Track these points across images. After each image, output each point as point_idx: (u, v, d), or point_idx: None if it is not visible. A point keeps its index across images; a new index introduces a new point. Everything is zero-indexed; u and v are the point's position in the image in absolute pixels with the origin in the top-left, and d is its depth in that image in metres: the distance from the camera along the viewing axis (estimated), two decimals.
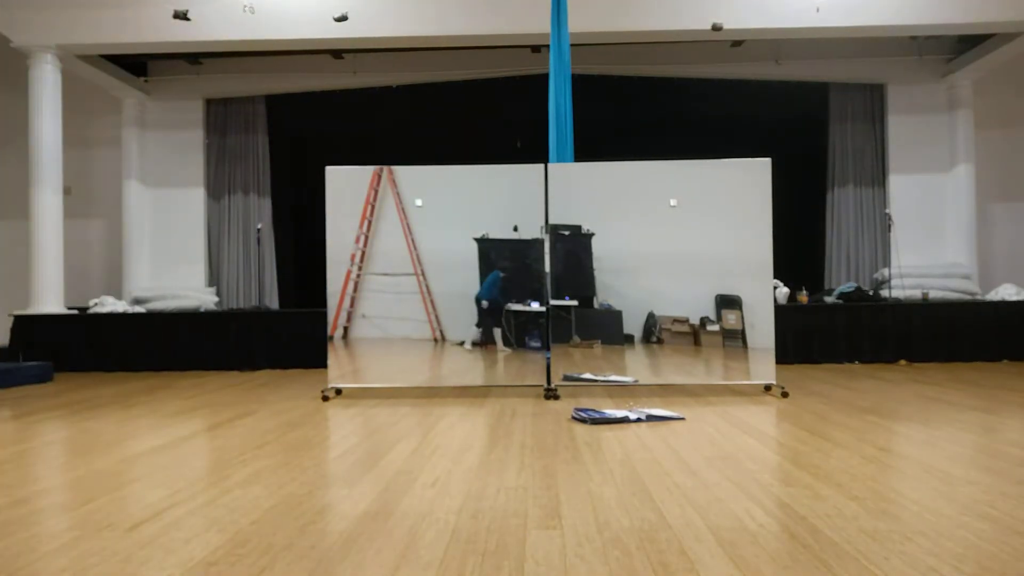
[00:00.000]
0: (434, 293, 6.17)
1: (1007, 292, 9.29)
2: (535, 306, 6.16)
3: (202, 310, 9.81)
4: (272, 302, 10.74)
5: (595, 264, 6.11)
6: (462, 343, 6.13)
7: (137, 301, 9.97)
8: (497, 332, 6.15)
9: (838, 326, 8.62)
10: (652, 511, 2.81)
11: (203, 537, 2.59)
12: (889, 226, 9.83)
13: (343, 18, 8.28)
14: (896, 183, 10.41)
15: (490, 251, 6.17)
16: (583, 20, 8.05)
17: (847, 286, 9.40)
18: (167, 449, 4.16)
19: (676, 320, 6.06)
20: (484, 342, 6.17)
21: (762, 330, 6.00)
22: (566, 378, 6.09)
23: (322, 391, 6.17)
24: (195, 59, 10.37)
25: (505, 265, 6.17)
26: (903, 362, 8.46)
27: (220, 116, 11.01)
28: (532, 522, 2.70)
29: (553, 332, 6.14)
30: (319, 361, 7.09)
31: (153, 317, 9.16)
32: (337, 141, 10.69)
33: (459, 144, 10.15)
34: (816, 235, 10.82)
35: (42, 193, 8.88)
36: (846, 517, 2.69)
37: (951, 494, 2.98)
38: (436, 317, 6.18)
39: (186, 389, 6.96)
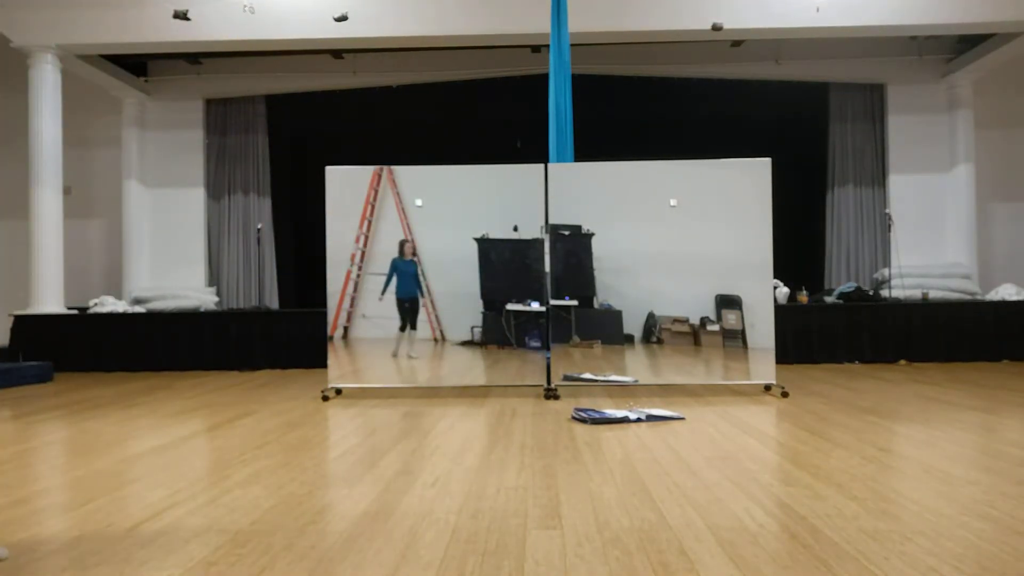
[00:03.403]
0: (434, 293, 6.17)
1: (1007, 292, 9.29)
2: (535, 306, 6.16)
3: (202, 310, 9.80)
4: (272, 302, 10.74)
5: (595, 264, 6.11)
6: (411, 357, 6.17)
7: (137, 301, 9.96)
8: (413, 335, 6.16)
9: (838, 326, 8.62)
10: (652, 511, 2.81)
11: (203, 537, 2.59)
12: (889, 226, 9.83)
13: (343, 18, 8.28)
14: (896, 183, 10.41)
15: (490, 251, 6.17)
16: (583, 20, 8.05)
17: (847, 286, 9.40)
18: (167, 449, 4.16)
19: (676, 320, 6.07)
20: (484, 342, 6.17)
21: (762, 330, 6.00)
22: (566, 378, 6.09)
23: (322, 391, 6.17)
24: (195, 59, 10.37)
25: (409, 262, 6.19)
26: (903, 362, 8.46)
27: (220, 116, 11.00)
28: (532, 522, 2.70)
29: (553, 332, 6.14)
30: (319, 361, 7.10)
31: (153, 317, 9.16)
32: (337, 141, 10.68)
33: (459, 144, 10.15)
34: (816, 235, 10.82)
35: (42, 193, 8.88)
36: (846, 517, 2.69)
37: (951, 494, 2.98)
38: (436, 317, 6.18)
39: (186, 389, 6.96)
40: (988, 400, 5.56)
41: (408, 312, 6.19)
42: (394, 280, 6.19)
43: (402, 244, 6.18)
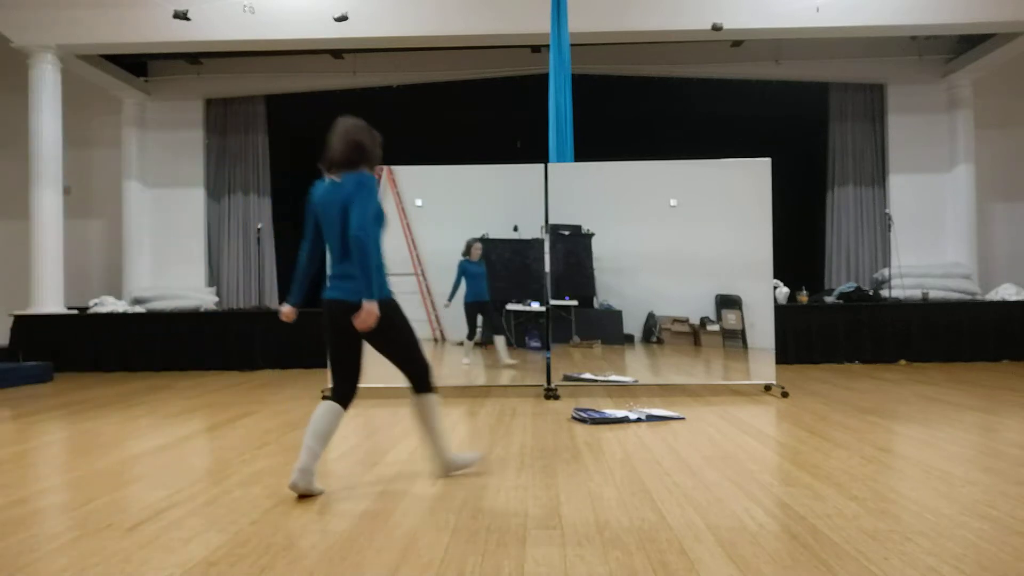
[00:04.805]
0: (434, 293, 6.16)
1: (1007, 292, 9.29)
2: (535, 306, 6.16)
3: (202, 310, 9.81)
4: (272, 302, 10.73)
5: (595, 264, 6.11)
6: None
7: (137, 301, 9.96)
8: (500, 340, 6.09)
9: (838, 326, 8.62)
10: (652, 511, 2.81)
11: (203, 537, 2.59)
12: (889, 226, 9.83)
13: (343, 18, 8.27)
14: (896, 183, 10.41)
15: (490, 251, 6.17)
16: (583, 20, 8.05)
17: (847, 286, 9.40)
18: (167, 449, 4.16)
19: (676, 320, 6.07)
20: (485, 342, 6.17)
21: (762, 330, 6.00)
22: (566, 378, 6.09)
23: (322, 391, 6.17)
24: (195, 59, 10.36)
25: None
26: (903, 362, 8.46)
27: (220, 116, 11.00)
28: (532, 522, 2.70)
29: (553, 332, 6.14)
30: (319, 361, 7.09)
31: (153, 317, 9.16)
32: None
33: (459, 144, 10.15)
34: (816, 235, 10.82)
35: (42, 193, 8.88)
36: (846, 517, 2.69)
37: (951, 494, 2.98)
38: (436, 317, 6.18)
39: (186, 389, 6.96)
40: (988, 400, 5.56)
41: (476, 316, 6.07)
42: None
43: (470, 245, 6.04)
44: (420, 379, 3.29)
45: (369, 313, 3.01)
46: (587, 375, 6.07)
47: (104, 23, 8.75)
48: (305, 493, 3.08)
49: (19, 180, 9.48)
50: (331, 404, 3.19)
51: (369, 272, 3.05)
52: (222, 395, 6.49)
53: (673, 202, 6.10)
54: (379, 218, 3.25)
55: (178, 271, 10.70)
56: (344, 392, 3.23)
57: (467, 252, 6.07)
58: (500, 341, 6.11)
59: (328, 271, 3.29)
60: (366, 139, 3.38)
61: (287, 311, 3.37)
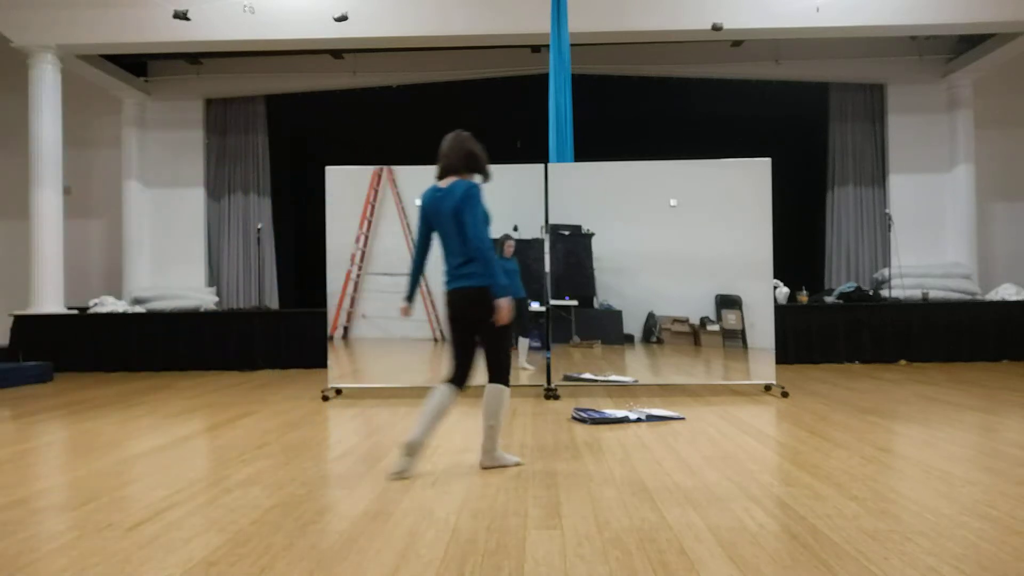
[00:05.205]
0: (434, 293, 6.17)
1: (1007, 292, 9.29)
2: (535, 306, 6.16)
3: (202, 310, 9.81)
4: (272, 302, 10.73)
5: (595, 264, 6.11)
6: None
7: (137, 301, 9.96)
8: (524, 343, 6.05)
9: (838, 326, 8.62)
10: (652, 511, 2.81)
11: (203, 537, 2.59)
12: (889, 226, 9.83)
13: (343, 18, 8.27)
14: (896, 183, 10.41)
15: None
16: (583, 20, 8.05)
17: (847, 286, 9.40)
18: (167, 449, 4.16)
19: (676, 320, 6.07)
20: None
21: (762, 330, 6.00)
22: (566, 378, 6.09)
23: (322, 391, 6.17)
24: (195, 59, 10.36)
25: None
26: (903, 362, 8.46)
27: (220, 116, 11.00)
28: (532, 522, 2.70)
29: (553, 332, 6.14)
30: (319, 361, 7.10)
31: (153, 317, 9.16)
32: (337, 141, 10.66)
33: None
34: (816, 235, 10.82)
35: (42, 193, 8.88)
36: (846, 517, 2.69)
37: (951, 494, 2.98)
38: (436, 317, 6.18)
39: (186, 389, 6.96)
40: (988, 400, 5.56)
41: (515, 316, 6.02)
42: None
43: (503, 242, 5.94)
44: (501, 371, 3.51)
45: (507, 308, 3.37)
46: (587, 375, 6.07)
47: (104, 23, 8.75)
48: (403, 468, 3.38)
49: (19, 180, 9.48)
50: (448, 386, 3.49)
51: (495, 274, 3.40)
52: (222, 395, 6.49)
53: (673, 202, 6.10)
54: (487, 220, 3.61)
55: (178, 271, 10.70)
56: (460, 374, 3.53)
57: (500, 250, 5.97)
58: (524, 344, 6.10)
59: (444, 266, 3.62)
60: (478, 149, 3.84)
61: (405, 307, 3.75)
